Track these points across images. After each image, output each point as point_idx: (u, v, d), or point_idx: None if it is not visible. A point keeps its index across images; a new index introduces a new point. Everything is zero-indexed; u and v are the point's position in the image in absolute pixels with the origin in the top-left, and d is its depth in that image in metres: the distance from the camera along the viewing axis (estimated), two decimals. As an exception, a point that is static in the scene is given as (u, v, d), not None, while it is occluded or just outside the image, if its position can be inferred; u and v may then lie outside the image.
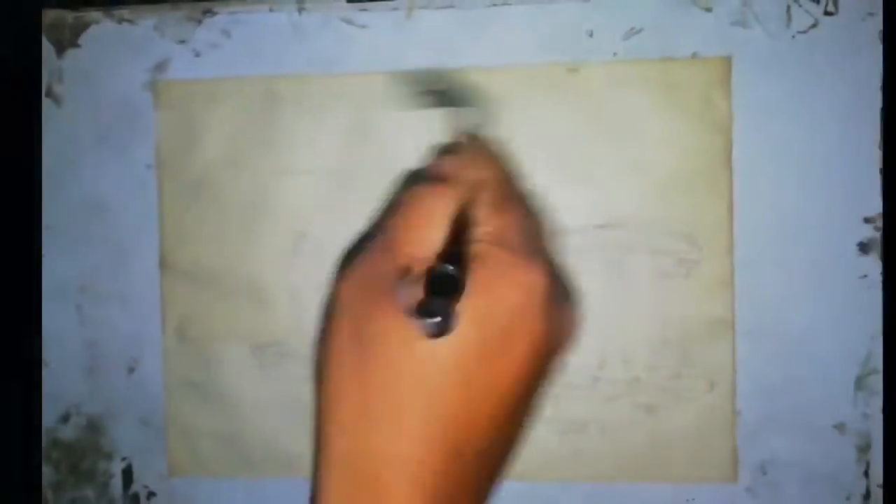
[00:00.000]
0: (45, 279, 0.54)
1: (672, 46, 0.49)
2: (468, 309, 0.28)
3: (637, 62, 0.49)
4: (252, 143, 0.52)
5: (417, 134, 0.51)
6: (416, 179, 0.40)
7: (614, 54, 0.50)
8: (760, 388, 0.49)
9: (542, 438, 0.50)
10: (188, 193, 0.53)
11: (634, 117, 0.50)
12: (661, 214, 0.49)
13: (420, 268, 0.30)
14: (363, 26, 0.51)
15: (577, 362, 0.50)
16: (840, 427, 0.49)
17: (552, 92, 0.50)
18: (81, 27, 0.53)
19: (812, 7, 0.48)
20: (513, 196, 0.37)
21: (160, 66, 0.53)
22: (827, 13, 0.47)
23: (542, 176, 0.50)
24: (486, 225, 0.32)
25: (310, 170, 0.52)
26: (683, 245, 0.49)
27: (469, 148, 0.41)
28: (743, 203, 0.49)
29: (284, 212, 0.52)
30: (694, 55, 0.49)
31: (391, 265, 0.31)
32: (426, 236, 0.31)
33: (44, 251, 0.54)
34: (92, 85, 0.53)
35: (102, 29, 0.53)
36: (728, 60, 0.49)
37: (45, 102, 0.53)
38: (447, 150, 0.43)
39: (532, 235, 0.35)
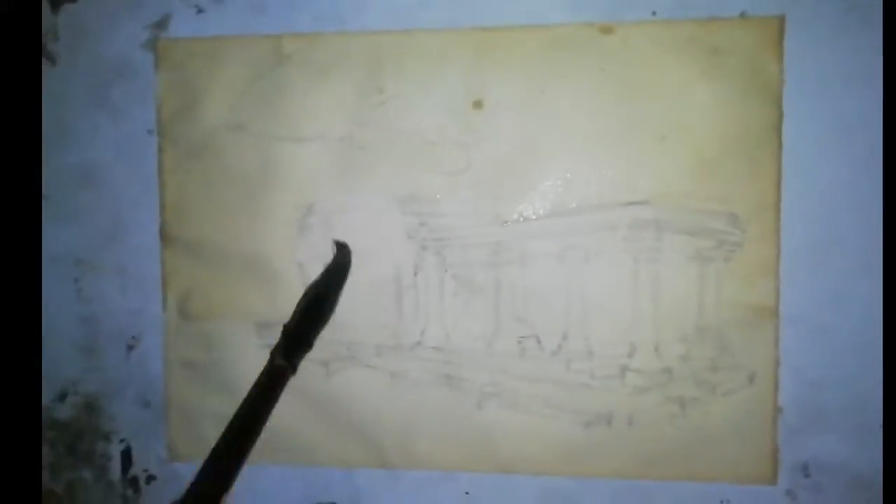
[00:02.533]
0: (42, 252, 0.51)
1: (718, 4, 0.44)
2: None
3: (678, 22, 0.45)
4: (258, 106, 0.48)
5: (435, 98, 0.47)
6: None
7: (653, 13, 0.45)
8: (805, 383, 0.45)
9: (564, 431, 0.47)
10: (190, 161, 0.49)
11: (673, 84, 0.45)
12: (699, 191, 0.45)
13: None
14: (378, -19, 0.47)
15: (604, 350, 0.46)
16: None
17: (583, 54, 0.46)
18: (77, -19, 0.49)
19: (879, -39, 0.43)
20: None
21: (161, 23, 0.49)
22: (895, -32, 0.42)
23: (568, 146, 0.46)
24: None
25: (318, 136, 0.48)
26: (724, 225, 0.45)
27: None
28: (792, 180, 0.44)
29: (292, 181, 0.48)
30: (742, 14, 0.44)
31: None
32: None
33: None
34: (89, 43, 0.50)
35: (100, -18, 0.50)
36: (781, 20, 0.44)
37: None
38: None
39: None
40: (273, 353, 0.42)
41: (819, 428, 0.45)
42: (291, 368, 0.42)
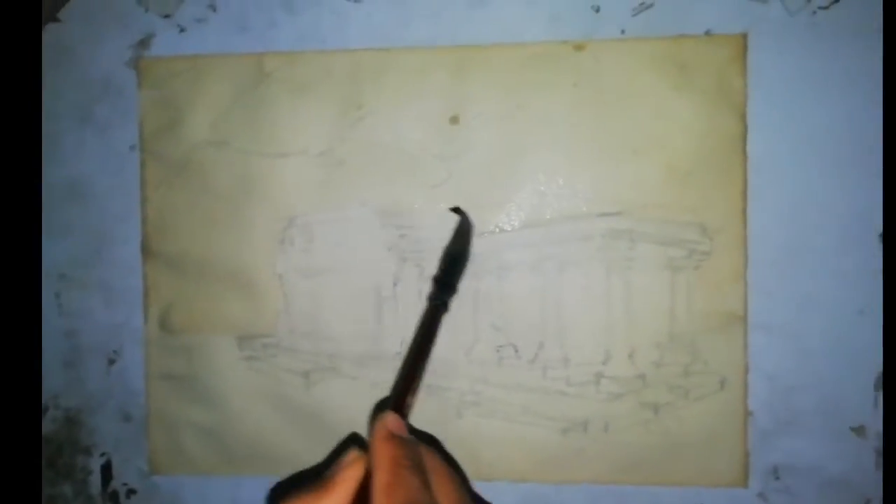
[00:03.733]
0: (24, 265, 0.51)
1: (684, 23, 0.46)
2: None
3: (647, 40, 0.47)
4: (239, 123, 0.49)
5: (413, 114, 0.48)
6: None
7: (622, 31, 0.47)
8: (774, 388, 0.46)
9: (541, 437, 0.48)
10: (172, 176, 0.50)
11: (643, 98, 0.47)
12: (669, 202, 0.47)
13: None
14: (358, 0, 0.49)
15: (580, 358, 0.47)
16: (859, 430, 0.46)
17: (557, 70, 0.47)
18: (61, 0, 0.50)
19: (834, -19, 0.45)
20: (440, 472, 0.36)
21: (143, 42, 0.50)
22: (850, -12, 0.44)
23: (543, 159, 0.47)
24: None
25: (299, 151, 0.49)
26: (693, 235, 0.46)
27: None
28: (758, 190, 0.46)
29: (273, 196, 0.49)
30: (707, 32, 0.46)
31: None
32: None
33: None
34: (73, 61, 0.51)
35: (84, 2, 0.50)
36: (743, 38, 0.46)
37: (23, 79, 0.50)
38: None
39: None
40: (429, 298, 0.44)
41: (789, 431, 0.46)
42: (444, 306, 0.44)
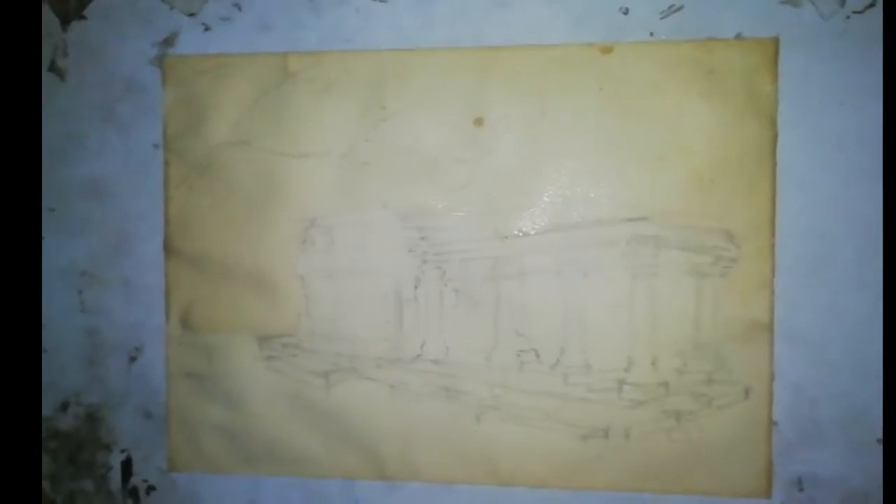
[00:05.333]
0: (46, 263, 0.51)
1: (714, 26, 0.45)
2: None
3: (675, 43, 0.46)
4: (263, 123, 0.49)
5: (436, 116, 0.48)
6: None
7: (651, 34, 0.46)
8: (799, 398, 0.46)
9: (561, 443, 0.47)
10: (195, 175, 0.50)
11: (671, 103, 0.46)
12: (696, 208, 0.46)
13: None
14: (383, 1, 0.48)
15: (602, 364, 0.47)
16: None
17: (583, 74, 0.47)
18: (87, -2, 0.50)
19: (870, -15, 0.44)
20: None
21: (168, 41, 0.50)
22: (886, -8, 0.43)
23: (567, 163, 0.47)
24: None
25: (322, 152, 0.49)
26: (720, 241, 0.46)
27: None
28: (786, 198, 0.45)
29: (295, 197, 0.49)
30: (738, 36, 0.45)
31: None
32: None
33: (44, 234, 0.51)
34: (97, 59, 0.51)
35: (109, 0, 0.50)
36: (775, 42, 0.45)
37: (48, 77, 0.51)
38: None
39: None
40: None
41: (813, 442, 0.46)
42: None
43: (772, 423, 0.46)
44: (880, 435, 0.45)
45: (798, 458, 0.46)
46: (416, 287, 0.48)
